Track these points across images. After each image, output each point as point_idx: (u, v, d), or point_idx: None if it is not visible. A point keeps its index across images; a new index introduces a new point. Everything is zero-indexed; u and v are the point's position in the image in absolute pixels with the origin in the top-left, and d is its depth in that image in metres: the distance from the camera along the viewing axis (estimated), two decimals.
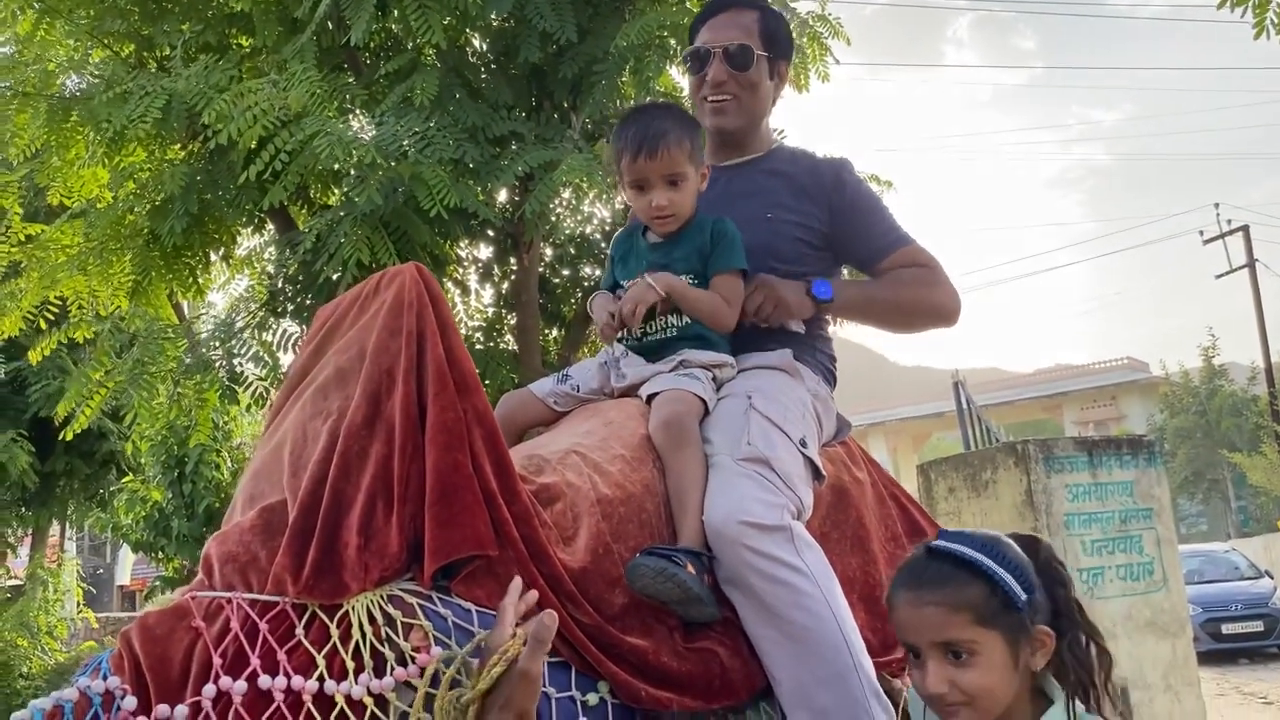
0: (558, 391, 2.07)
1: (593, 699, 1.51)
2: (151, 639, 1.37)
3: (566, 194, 5.33)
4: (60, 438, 12.35)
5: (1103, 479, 7.31)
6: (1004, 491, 7.31)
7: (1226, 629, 15.18)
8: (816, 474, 1.91)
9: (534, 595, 1.45)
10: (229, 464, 11.84)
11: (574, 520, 1.66)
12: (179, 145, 5.34)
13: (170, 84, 4.48)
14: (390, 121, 4.27)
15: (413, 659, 1.40)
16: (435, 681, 1.40)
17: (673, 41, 4.63)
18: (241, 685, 1.33)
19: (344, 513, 1.44)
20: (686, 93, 4.54)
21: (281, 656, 1.36)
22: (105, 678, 1.33)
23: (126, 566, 24.90)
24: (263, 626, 1.38)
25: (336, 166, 4.35)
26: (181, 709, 1.31)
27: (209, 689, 1.32)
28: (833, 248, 2.21)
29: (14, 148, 5.23)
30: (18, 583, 14.23)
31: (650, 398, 1.91)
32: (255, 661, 1.35)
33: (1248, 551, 18.26)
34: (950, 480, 7.95)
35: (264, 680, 1.34)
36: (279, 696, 1.33)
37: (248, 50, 5.40)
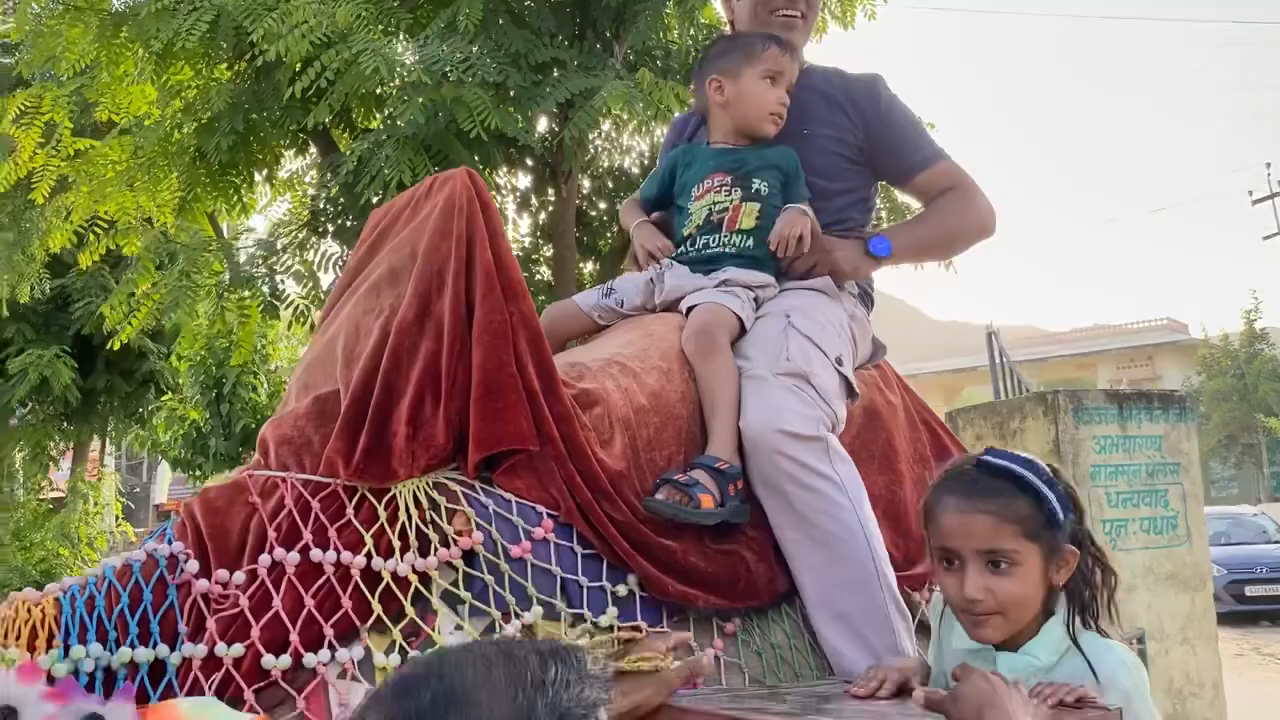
0: (602, 305, 2.12)
1: (622, 590, 1.59)
2: (212, 510, 1.46)
3: (606, 125, 5.34)
4: (102, 355, 12.61)
5: (1131, 432, 7.30)
6: (1031, 441, 7.31)
7: (1250, 591, 15.16)
8: (850, 391, 1.96)
9: (687, 636, 1.55)
10: (266, 386, 12.03)
11: (611, 425, 1.72)
12: (225, 64, 5.38)
13: (220, 1, 4.51)
14: (434, 43, 4.29)
15: (455, 541, 1.48)
16: (474, 561, 1.48)
17: None
18: (295, 557, 1.41)
19: (394, 403, 1.51)
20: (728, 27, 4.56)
21: (332, 533, 1.44)
22: (170, 543, 1.42)
23: (164, 486, 25.41)
24: (315, 505, 1.47)
25: (379, 90, 4.38)
26: (239, 574, 1.40)
27: (264, 559, 1.41)
28: (868, 162, 2.22)
29: (64, 62, 5.30)
30: (59, 495, 14.59)
31: (689, 310, 1.96)
32: (308, 536, 1.43)
33: (1277, 516, 18.15)
34: (978, 428, 7.96)
35: (315, 553, 1.42)
36: (329, 569, 1.42)
37: None
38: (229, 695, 1.32)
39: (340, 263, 5.09)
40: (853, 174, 2.19)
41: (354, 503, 1.48)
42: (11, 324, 11.34)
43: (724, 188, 2.06)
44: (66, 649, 1.28)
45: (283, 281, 5.07)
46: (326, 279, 5.11)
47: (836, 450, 1.75)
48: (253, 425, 11.74)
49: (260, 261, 5.10)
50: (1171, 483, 7.41)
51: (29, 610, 1.30)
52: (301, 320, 5.03)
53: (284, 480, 1.50)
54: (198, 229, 5.41)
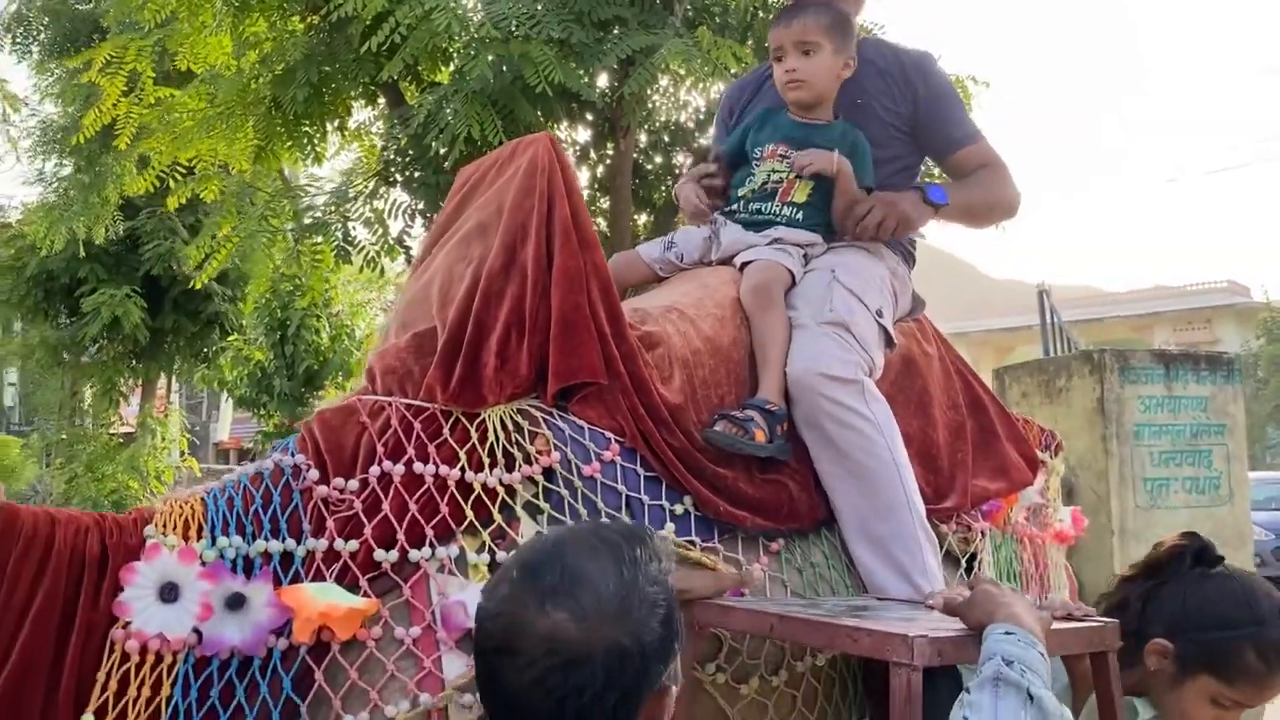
0: (663, 258, 2.31)
1: (679, 509, 1.80)
2: (329, 428, 1.69)
3: (664, 81, 5.47)
4: (169, 296, 13.00)
5: (1177, 392, 7.35)
6: (1076, 399, 7.40)
7: None
8: (889, 341, 2.14)
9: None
10: (328, 329, 12.39)
11: (670, 364, 1.93)
12: (299, 17, 5.59)
13: None
14: (502, 1, 4.46)
15: (536, 460, 1.70)
16: (552, 478, 1.71)
17: None
18: (400, 469, 1.65)
19: (484, 339, 1.73)
20: None
21: (431, 450, 1.67)
22: (293, 455, 1.65)
23: (225, 424, 26.16)
24: (416, 425, 1.69)
25: (448, 46, 4.56)
26: (353, 482, 1.64)
27: (374, 469, 1.64)
28: (914, 133, 2.35)
29: (146, 12, 5.54)
30: (129, 430, 15.16)
31: (744, 266, 2.15)
32: (411, 451, 1.66)
33: None
34: (1024, 385, 8.05)
35: (417, 466, 1.65)
36: (429, 480, 1.65)
37: None
38: (345, 583, 1.56)
39: (409, 211, 5.31)
40: (900, 143, 2.34)
41: (449, 424, 1.71)
42: (86, 264, 11.74)
43: (784, 159, 2.22)
44: (214, 539, 1.52)
45: (354, 228, 5.32)
46: (395, 226, 5.35)
47: (872, 392, 1.94)
48: (315, 366, 12.14)
49: (333, 209, 5.35)
50: (1216, 443, 7.47)
51: (181, 507, 1.55)
52: (371, 265, 5.29)
53: (389, 404, 1.73)
54: (274, 176, 5.67)
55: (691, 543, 1.77)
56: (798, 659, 1.82)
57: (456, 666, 1.53)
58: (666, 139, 6.05)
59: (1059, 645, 1.51)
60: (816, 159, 2.13)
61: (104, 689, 1.40)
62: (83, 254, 10.55)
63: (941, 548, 2.08)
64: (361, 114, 6.21)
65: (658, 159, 6.06)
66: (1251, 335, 34.40)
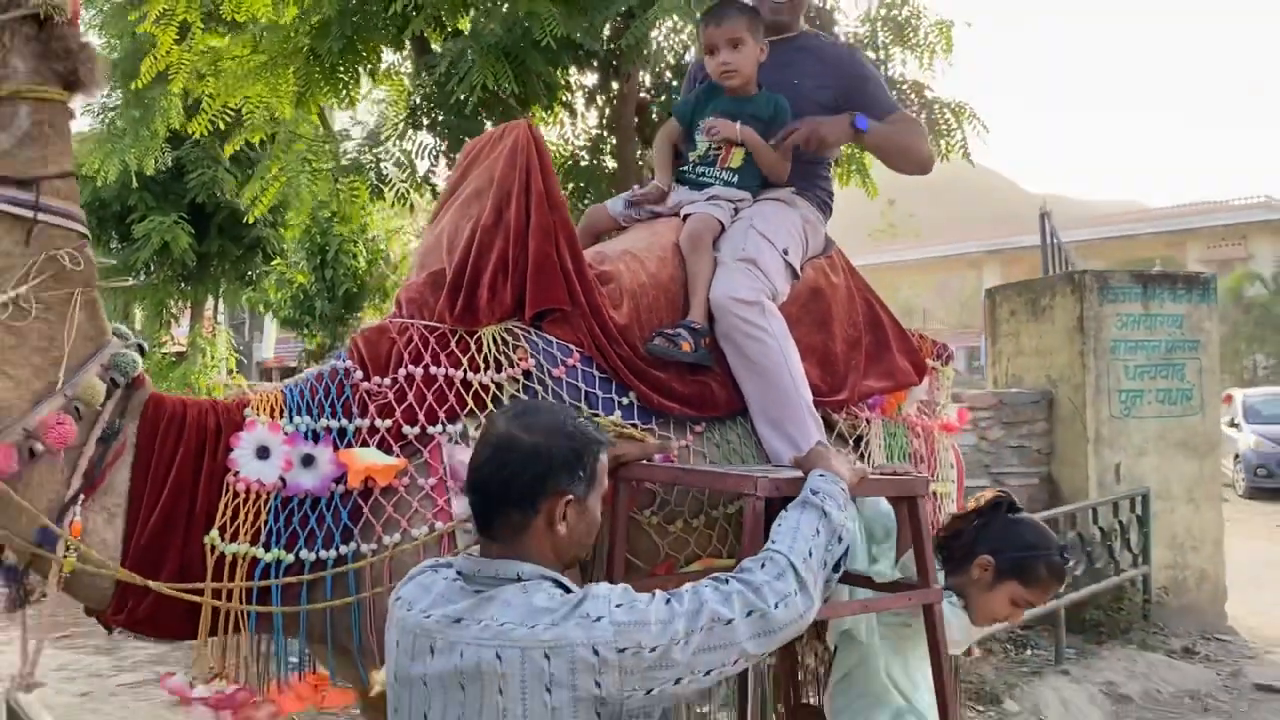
0: (625, 213, 2.95)
1: (625, 401, 2.46)
2: (369, 342, 2.37)
3: (666, 25, 5.99)
4: (214, 222, 13.67)
5: (1154, 310, 7.89)
6: (1059, 317, 7.97)
7: None
8: (795, 275, 2.77)
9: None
10: (365, 254, 13.10)
11: (621, 295, 2.57)
12: None
13: None
14: None
15: (517, 364, 2.37)
16: (529, 377, 2.37)
17: None
18: (420, 371, 2.32)
19: (479, 277, 2.39)
20: None
21: (443, 357, 2.34)
22: (344, 361, 2.33)
23: (269, 344, 27.15)
24: (431, 340, 2.36)
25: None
26: (386, 380, 2.31)
27: (402, 371, 2.32)
28: (842, 109, 2.92)
29: None
30: (180, 349, 16.06)
31: (685, 216, 2.78)
32: (428, 357, 2.33)
33: None
34: (1012, 304, 8.63)
35: (433, 369, 2.32)
36: (440, 378, 2.32)
37: None
38: (382, 448, 2.24)
39: (434, 152, 5.93)
40: (828, 116, 2.88)
41: (455, 339, 2.38)
42: (136, 193, 12.38)
43: (714, 131, 2.82)
44: (291, 417, 2.21)
45: (385, 168, 5.95)
46: (422, 165, 5.98)
47: (771, 310, 2.57)
48: (354, 289, 12.87)
49: (367, 150, 5.98)
50: (1190, 358, 8.05)
51: (268, 396, 2.23)
52: (402, 200, 5.93)
53: (412, 325, 2.40)
54: (313, 120, 6.29)
55: (634, 425, 2.43)
56: (713, 507, 2.50)
57: (461, 506, 2.21)
58: (669, 77, 6.57)
59: (875, 489, 2.18)
60: (722, 127, 2.77)
61: (223, 515, 2.11)
62: (134, 184, 11.19)
63: (833, 430, 2.73)
64: (390, 57, 6.79)
65: (662, 98, 6.59)
66: None
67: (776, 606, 1.65)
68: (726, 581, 1.67)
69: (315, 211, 10.60)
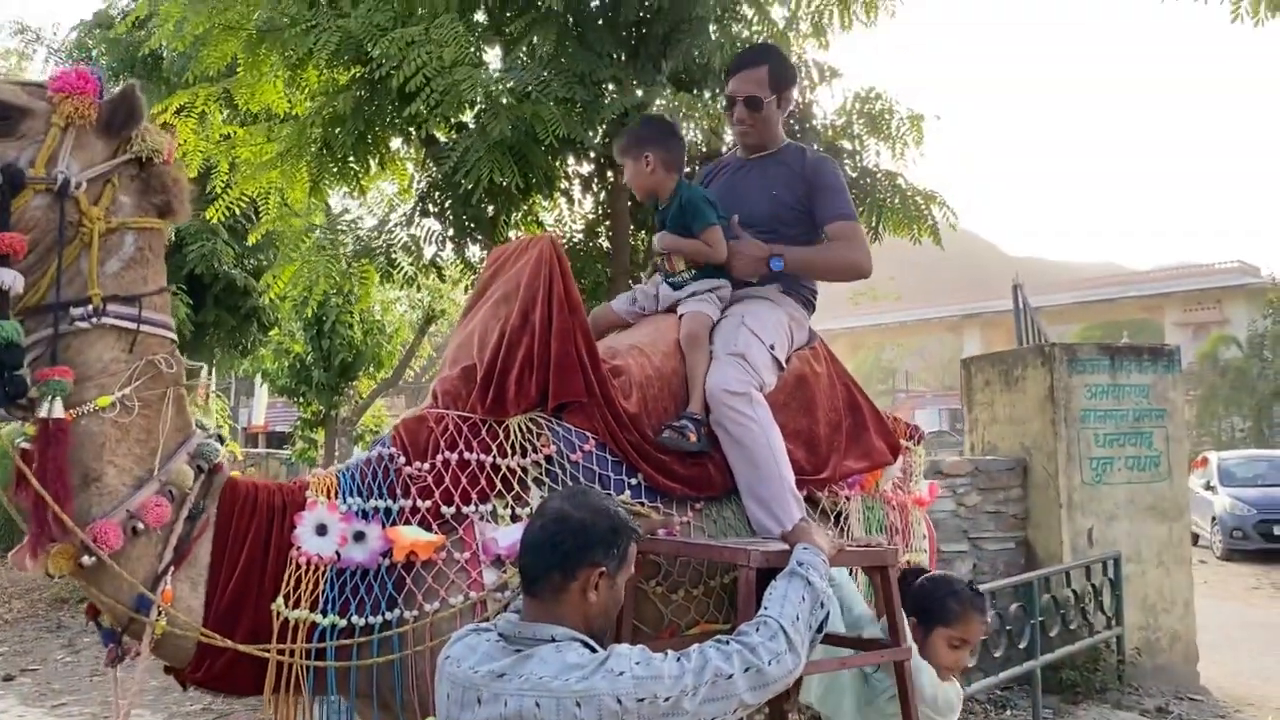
0: (629, 310, 3.34)
1: (633, 482, 2.79)
2: (409, 430, 2.70)
3: None
4: (211, 293, 13.99)
5: (1121, 380, 8.30)
6: (1031, 387, 8.36)
7: (1278, 530, 15.89)
8: (780, 367, 3.13)
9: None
10: (360, 325, 13.45)
11: (631, 386, 2.92)
12: (344, 68, 6.57)
13: (344, 23, 5.68)
14: (518, 68, 5.43)
15: (540, 450, 2.70)
16: (550, 462, 2.69)
17: (747, 7, 5.66)
18: (455, 456, 2.64)
19: (508, 373, 2.74)
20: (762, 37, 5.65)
21: (475, 444, 2.67)
22: (388, 448, 2.66)
23: (260, 410, 27.33)
24: (465, 428, 2.69)
25: (477, 100, 5.52)
26: (426, 465, 2.63)
27: (439, 456, 2.64)
28: (807, 212, 3.31)
29: (210, 60, 6.54)
30: None
31: (681, 315, 3.13)
32: (461, 444, 2.66)
33: None
34: (987, 374, 9.02)
35: (466, 455, 2.65)
36: (473, 463, 2.64)
37: None
38: (423, 526, 2.56)
39: (440, 238, 6.31)
40: (798, 221, 3.31)
41: (485, 428, 2.71)
42: None
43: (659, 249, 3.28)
44: (345, 498, 2.53)
45: (394, 253, 6.33)
46: (429, 250, 6.36)
47: (758, 400, 2.91)
48: (349, 358, 13.19)
49: (377, 236, 6.36)
50: (1156, 426, 8.44)
51: (324, 479, 2.56)
52: (410, 282, 6.29)
53: (447, 415, 2.73)
54: (323, 206, 6.67)
55: (641, 503, 2.76)
56: (710, 577, 2.82)
57: (492, 577, 2.53)
58: None
59: (852, 560, 2.51)
60: (656, 245, 3.24)
61: (287, 584, 2.42)
62: None
63: (816, 507, 3.08)
64: (396, 143, 7.20)
65: None
66: (1260, 314, 34.99)
67: (770, 663, 1.98)
68: (727, 643, 2.00)
69: (311, 284, 10.99)
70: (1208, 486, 16.95)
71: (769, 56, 3.43)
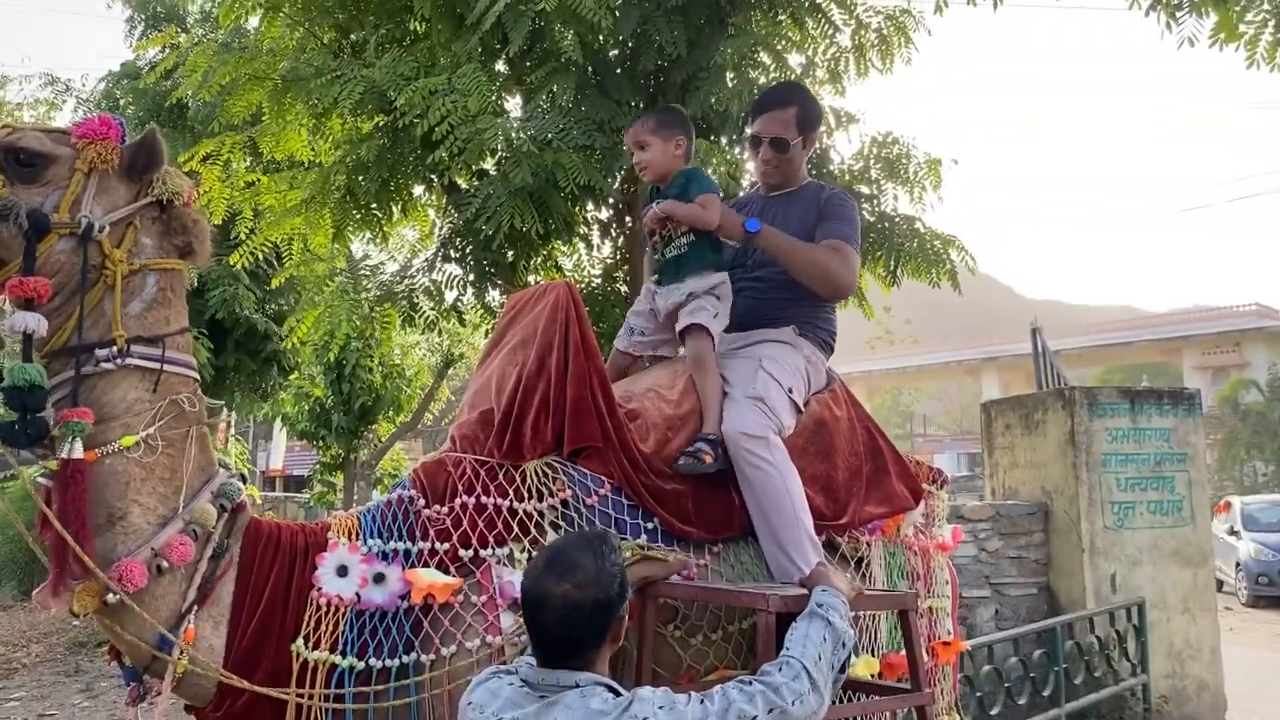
0: (631, 341, 3.33)
1: (649, 526, 2.80)
2: (428, 473, 2.72)
3: None
4: (231, 337, 14.13)
5: (1142, 425, 8.25)
6: (1051, 431, 8.32)
7: None
8: (799, 410, 3.13)
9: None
10: (380, 370, 13.55)
11: (647, 429, 2.94)
12: (367, 116, 6.68)
13: (369, 73, 5.79)
14: (539, 116, 5.52)
15: (556, 494, 2.71)
16: (567, 506, 2.71)
17: (764, 54, 5.74)
18: (472, 500, 2.66)
19: (524, 418, 2.76)
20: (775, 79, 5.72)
21: (492, 488, 2.69)
22: (408, 490, 2.68)
23: (279, 454, 27.45)
24: (482, 472, 2.71)
25: (499, 148, 5.61)
26: (445, 508, 2.65)
27: (458, 500, 2.66)
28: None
29: (237, 112, 6.67)
30: None
31: (682, 333, 3.11)
32: (479, 488, 2.68)
33: None
34: (1007, 418, 8.98)
35: (483, 498, 2.67)
36: (490, 507, 2.66)
37: (422, 35, 6.66)
38: (440, 569, 2.57)
39: (461, 283, 6.38)
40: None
41: (502, 473, 2.73)
42: None
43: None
44: (366, 540, 2.55)
45: (416, 297, 6.41)
46: (450, 294, 6.43)
47: (776, 444, 2.92)
48: (369, 402, 13.26)
49: (399, 282, 6.44)
50: (1178, 470, 8.37)
51: (346, 520, 2.58)
52: (431, 327, 6.36)
53: (464, 459, 2.75)
54: (350, 253, 6.77)
55: (657, 545, 2.77)
56: (729, 622, 2.81)
57: (509, 621, 2.53)
58: None
59: (869, 604, 2.50)
60: (649, 218, 3.19)
61: (307, 625, 2.43)
62: None
63: (836, 552, 3.07)
64: (418, 190, 7.31)
65: None
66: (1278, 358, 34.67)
67: (794, 704, 1.98)
68: (750, 683, 2.00)
69: (333, 328, 11.10)
70: (1231, 532, 16.75)
71: (797, 97, 3.42)
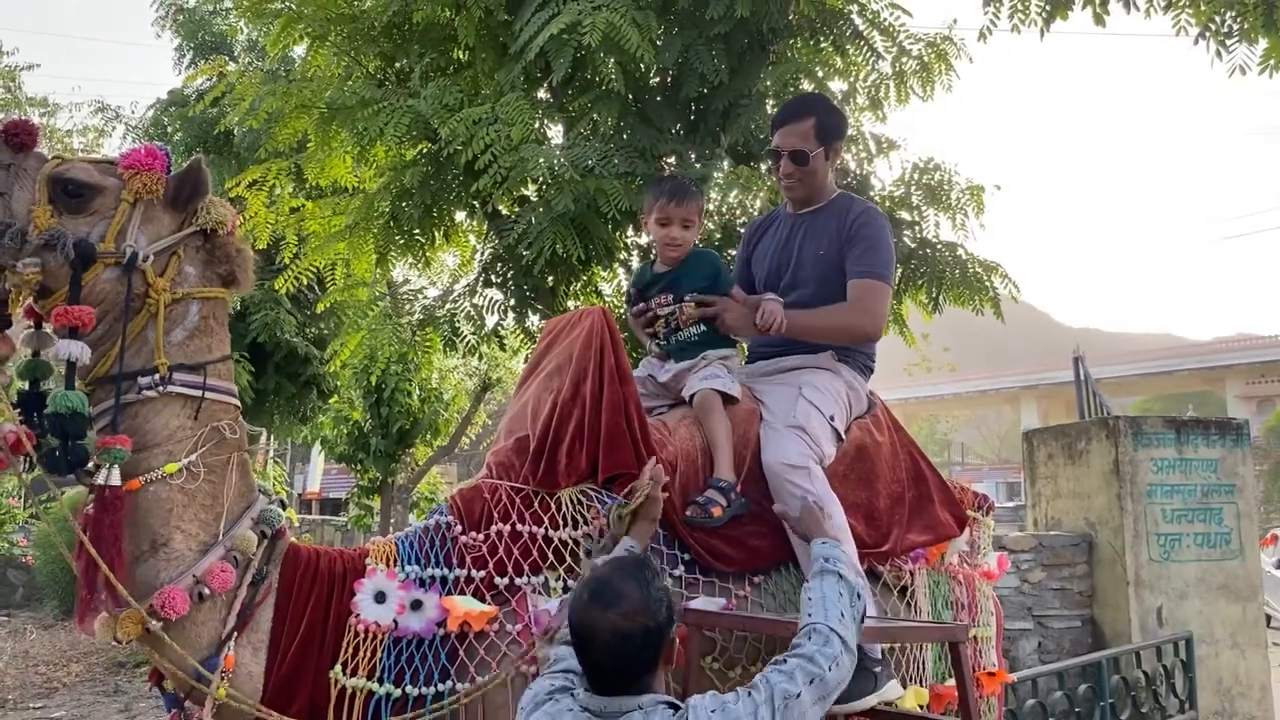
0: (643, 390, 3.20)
1: (685, 556, 2.78)
2: (465, 499, 2.72)
3: (714, 195, 6.51)
4: (272, 361, 14.28)
5: (1188, 455, 8.09)
6: (1095, 460, 8.18)
7: None
8: (840, 438, 3.10)
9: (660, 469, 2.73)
10: (419, 393, 13.63)
11: (674, 461, 2.91)
12: (412, 144, 6.76)
13: (414, 103, 5.86)
14: (581, 143, 5.56)
15: (591, 522, 2.70)
16: (603, 534, 2.70)
17: (805, 82, 5.74)
18: (508, 528, 2.66)
19: (559, 445, 2.76)
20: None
21: (527, 516, 2.69)
22: (445, 517, 2.68)
23: (316, 477, 27.63)
24: (518, 500, 2.71)
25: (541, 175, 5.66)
26: (480, 535, 2.65)
27: (494, 528, 2.66)
28: (839, 260, 3.21)
29: (283, 140, 6.78)
30: None
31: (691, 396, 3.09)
32: (514, 516, 2.68)
33: None
34: (1050, 448, 8.85)
35: (519, 526, 2.66)
36: (526, 535, 2.66)
37: (466, 64, 6.74)
38: (477, 596, 2.57)
39: (503, 308, 6.42)
40: (837, 270, 3.21)
41: (538, 500, 2.73)
42: None
43: (666, 305, 3.16)
44: (404, 566, 2.55)
45: (458, 322, 6.45)
46: (491, 319, 6.47)
47: (816, 474, 2.88)
48: (407, 426, 13.34)
49: (441, 306, 6.50)
50: (1226, 502, 8.20)
51: (384, 546, 2.59)
52: (472, 351, 6.40)
53: (500, 486, 2.76)
54: (391, 279, 6.84)
55: (696, 579, 2.75)
56: (769, 655, 2.78)
57: (543, 650, 2.52)
58: (717, 237, 7.06)
59: (920, 635, 2.46)
60: (684, 318, 3.13)
61: (345, 651, 2.44)
62: None
63: (878, 580, 3.03)
64: (460, 215, 7.37)
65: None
66: None
67: (830, 669, 2.03)
68: (785, 661, 2.04)
69: (373, 351, 11.22)
70: (1277, 565, 16.36)
71: (815, 107, 3.36)
